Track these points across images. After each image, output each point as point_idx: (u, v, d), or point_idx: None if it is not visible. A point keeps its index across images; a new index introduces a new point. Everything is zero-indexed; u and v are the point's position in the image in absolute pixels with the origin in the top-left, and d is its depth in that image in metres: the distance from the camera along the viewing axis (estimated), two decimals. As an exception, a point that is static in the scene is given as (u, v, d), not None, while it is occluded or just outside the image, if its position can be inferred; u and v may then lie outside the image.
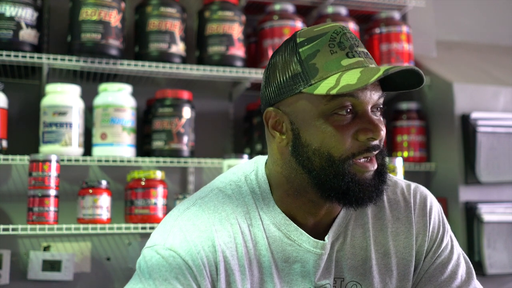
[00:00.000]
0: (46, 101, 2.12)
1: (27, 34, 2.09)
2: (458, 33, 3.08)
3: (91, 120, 2.23)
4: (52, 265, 2.18)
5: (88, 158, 2.13)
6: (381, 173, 0.99)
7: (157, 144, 2.23)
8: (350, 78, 0.92)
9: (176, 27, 2.27)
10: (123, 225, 2.07)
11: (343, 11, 2.56)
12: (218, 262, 0.96)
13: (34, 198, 1.95)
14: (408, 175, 2.42)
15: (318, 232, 1.03)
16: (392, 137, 2.64)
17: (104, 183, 2.08)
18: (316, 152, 0.96)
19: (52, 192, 1.96)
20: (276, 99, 1.00)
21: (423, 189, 1.14)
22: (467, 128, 2.46)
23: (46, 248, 2.23)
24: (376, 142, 0.96)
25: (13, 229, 1.96)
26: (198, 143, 2.41)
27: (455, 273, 1.09)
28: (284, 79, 0.98)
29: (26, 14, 2.09)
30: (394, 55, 2.56)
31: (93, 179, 2.08)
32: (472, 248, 2.41)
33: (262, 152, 2.35)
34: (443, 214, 1.14)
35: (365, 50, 0.99)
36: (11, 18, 2.06)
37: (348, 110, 0.95)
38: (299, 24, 2.44)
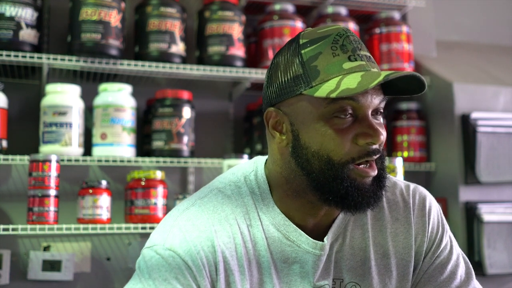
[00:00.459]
0: (46, 101, 2.12)
1: (27, 34, 2.09)
2: (458, 33, 3.08)
3: (91, 120, 2.23)
4: (52, 265, 2.18)
5: (88, 158, 2.13)
6: (380, 178, 0.99)
7: (157, 144, 2.23)
8: (351, 82, 0.92)
9: (176, 27, 2.27)
10: (123, 225, 2.07)
11: (343, 11, 2.56)
12: (217, 263, 0.96)
13: (34, 198, 1.95)
14: (408, 175, 2.42)
15: (318, 233, 1.03)
16: (392, 137, 2.64)
17: (104, 183, 2.08)
18: (315, 154, 0.96)
19: (52, 192, 1.96)
20: (277, 100, 1.00)
21: (422, 189, 1.14)
22: (467, 128, 2.46)
23: (46, 248, 2.23)
24: (375, 147, 0.96)
25: (13, 229, 1.96)
26: (198, 143, 2.41)
27: (454, 273, 1.09)
28: (286, 80, 0.98)
29: (26, 14, 2.09)
30: (394, 55, 2.56)
31: (93, 179, 2.08)
32: (472, 248, 2.41)
33: (262, 152, 2.35)
34: (442, 214, 1.14)
35: (368, 54, 0.98)
36: (11, 18, 2.06)
37: (348, 113, 0.95)
38: (299, 24, 2.44)
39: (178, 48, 2.28)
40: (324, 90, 0.93)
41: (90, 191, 2.05)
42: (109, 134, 2.15)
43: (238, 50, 2.33)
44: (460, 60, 2.87)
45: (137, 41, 2.30)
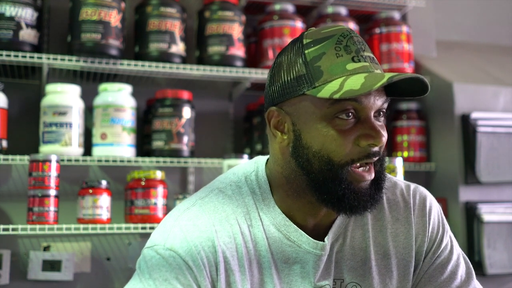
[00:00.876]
0: (46, 101, 2.12)
1: (27, 34, 2.09)
2: (458, 33, 3.08)
3: (91, 120, 2.23)
4: (52, 265, 2.18)
5: (88, 158, 2.13)
6: (378, 181, 0.99)
7: (157, 144, 2.23)
8: (354, 83, 0.92)
9: (176, 27, 2.27)
10: (123, 225, 2.06)
11: (343, 11, 2.56)
12: (218, 263, 0.96)
13: (34, 198, 1.95)
14: (408, 175, 2.42)
15: (318, 233, 1.03)
16: (392, 137, 2.64)
17: (104, 183, 2.08)
18: (316, 154, 0.96)
19: (52, 192, 1.96)
20: (279, 99, 1.00)
21: (422, 189, 1.14)
22: (467, 128, 2.46)
23: (46, 248, 2.23)
24: (376, 149, 0.96)
25: (13, 229, 1.96)
26: (198, 143, 2.41)
27: (454, 273, 1.09)
28: (289, 80, 0.98)
29: (26, 14, 2.09)
30: (394, 55, 2.56)
31: (93, 179, 2.08)
32: (472, 248, 2.41)
33: (262, 152, 2.35)
34: (443, 214, 1.14)
35: (372, 55, 0.98)
36: (11, 18, 2.06)
37: (351, 114, 0.95)
38: (299, 24, 2.44)
39: (178, 48, 2.28)
40: (327, 90, 0.93)
41: (90, 191, 2.04)
42: (109, 134, 2.15)
43: (238, 50, 2.33)
44: (460, 60, 2.87)
45: (137, 41, 2.30)
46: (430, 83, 2.59)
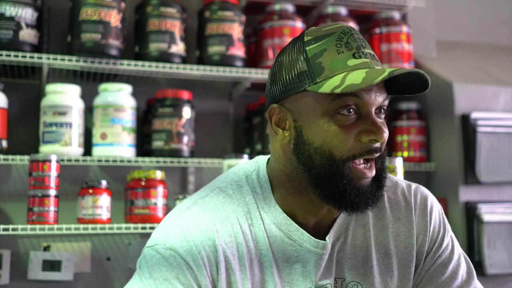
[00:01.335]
0: (46, 101, 2.12)
1: (27, 34, 2.09)
2: (458, 33, 3.08)
3: (91, 120, 2.23)
4: (52, 265, 2.18)
5: (88, 158, 2.13)
6: (379, 178, 0.99)
7: (157, 144, 2.23)
8: (355, 78, 0.92)
9: (176, 27, 2.27)
10: (123, 225, 2.06)
11: (343, 11, 2.56)
12: (219, 262, 0.96)
13: (34, 198, 1.95)
14: (408, 175, 2.42)
15: (319, 232, 1.03)
16: (392, 137, 2.64)
17: (104, 183, 2.08)
18: (317, 150, 0.96)
19: (52, 192, 1.96)
20: (280, 96, 1.00)
21: (423, 189, 1.14)
22: (467, 128, 2.46)
23: (46, 248, 2.23)
24: (377, 145, 0.96)
25: (13, 229, 1.96)
26: (198, 143, 2.41)
27: (455, 273, 1.09)
28: (290, 77, 0.98)
29: (26, 14, 2.09)
30: (394, 55, 2.56)
31: (93, 179, 2.08)
32: (472, 248, 2.41)
33: (262, 152, 2.35)
34: (444, 214, 1.14)
35: (372, 52, 0.99)
36: (11, 18, 2.06)
37: (352, 110, 0.95)
38: (299, 24, 2.44)
39: (178, 48, 2.28)
40: (329, 86, 0.93)
41: (90, 191, 2.04)
42: (109, 134, 2.15)
43: (238, 50, 2.33)
44: (460, 60, 2.87)
45: (137, 41, 2.30)
46: (430, 83, 2.61)
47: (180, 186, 2.45)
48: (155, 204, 2.10)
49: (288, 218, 1.02)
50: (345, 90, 0.91)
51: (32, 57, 2.09)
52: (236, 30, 2.33)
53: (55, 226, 1.97)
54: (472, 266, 1.12)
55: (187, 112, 2.26)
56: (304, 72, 0.96)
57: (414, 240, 1.08)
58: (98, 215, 2.04)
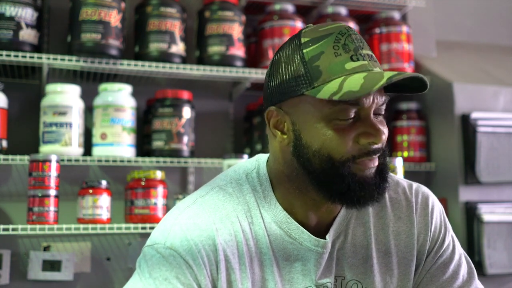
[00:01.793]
0: (46, 101, 2.12)
1: (27, 34, 2.09)
2: (458, 33, 3.08)
3: (91, 120, 2.23)
4: (52, 265, 2.18)
5: (88, 158, 2.13)
6: (382, 171, 0.98)
7: (157, 144, 2.23)
8: (353, 84, 0.91)
9: (176, 27, 2.27)
10: (123, 225, 2.06)
11: (343, 11, 2.56)
12: (218, 261, 0.96)
13: (34, 198, 1.95)
14: (408, 175, 2.42)
15: (320, 231, 1.03)
16: (392, 137, 2.63)
17: (104, 183, 2.08)
18: (316, 153, 0.96)
19: (52, 192, 1.96)
20: (278, 99, 1.00)
21: (424, 189, 1.14)
22: (467, 128, 2.46)
23: (46, 248, 2.23)
24: (377, 146, 0.96)
25: (13, 229, 1.96)
26: (198, 143, 2.40)
27: (456, 273, 1.09)
28: (287, 80, 0.97)
29: (26, 14, 2.09)
30: (394, 55, 2.56)
31: (93, 179, 2.08)
32: (472, 248, 2.40)
33: (262, 152, 2.34)
34: (445, 214, 1.14)
35: (370, 53, 0.98)
36: (11, 18, 2.06)
37: (351, 116, 0.95)
38: (299, 24, 2.44)
39: (178, 48, 2.28)
40: (326, 91, 0.92)
41: (90, 191, 2.04)
42: (109, 134, 2.15)
43: (238, 50, 2.33)
44: (460, 60, 2.87)
45: (137, 41, 2.30)
46: (430, 83, 2.60)
47: (180, 186, 2.45)
48: (155, 204, 2.10)
49: (289, 216, 1.02)
50: (343, 97, 0.91)
51: (32, 57, 2.09)
52: (236, 30, 2.33)
53: (55, 226, 1.97)
54: (473, 266, 1.12)
55: (187, 112, 2.26)
56: (302, 76, 0.95)
57: (415, 239, 1.08)
58: (98, 215, 2.04)
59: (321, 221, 1.04)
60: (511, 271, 2.43)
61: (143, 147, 2.36)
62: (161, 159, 2.20)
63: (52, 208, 1.96)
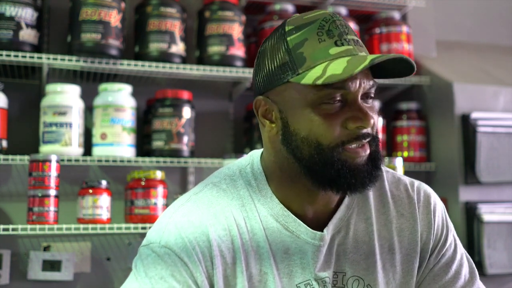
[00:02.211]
0: (46, 101, 2.12)
1: (27, 34, 2.09)
2: (458, 33, 3.08)
3: (91, 120, 2.23)
4: (52, 265, 2.18)
5: (88, 158, 2.13)
6: (375, 159, 0.98)
7: (157, 144, 2.23)
8: (336, 67, 0.91)
9: (176, 27, 2.27)
10: (123, 225, 2.06)
11: (343, 11, 2.56)
12: (213, 257, 0.96)
13: (34, 198, 1.95)
14: (408, 175, 2.41)
15: (318, 224, 1.03)
16: (392, 137, 2.64)
17: (104, 183, 2.08)
18: (304, 140, 0.95)
19: (52, 192, 1.96)
20: (265, 88, 1.00)
21: (426, 187, 1.13)
22: (467, 128, 2.46)
23: (46, 248, 2.23)
24: (366, 130, 0.95)
25: (13, 229, 1.96)
26: (198, 143, 2.40)
27: (458, 273, 1.08)
28: (273, 68, 0.98)
29: (26, 14, 2.09)
30: (394, 55, 2.56)
31: (93, 179, 2.08)
32: (472, 248, 2.40)
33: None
34: (446, 213, 1.14)
35: (356, 38, 0.97)
36: (11, 18, 2.06)
37: (337, 100, 0.94)
38: (299, 24, 2.43)
39: (178, 48, 2.28)
40: (310, 77, 0.92)
41: (90, 191, 2.04)
42: (109, 134, 2.15)
43: (238, 50, 2.33)
44: (460, 60, 2.87)
45: (137, 41, 2.30)
46: (430, 83, 2.62)
47: (180, 186, 2.45)
48: (155, 204, 2.10)
49: (285, 209, 1.01)
50: (326, 81, 0.90)
51: (32, 57, 2.09)
52: (236, 30, 2.33)
53: (55, 226, 1.97)
54: (474, 266, 1.12)
55: (187, 112, 2.26)
56: (286, 63, 0.96)
57: (418, 236, 1.07)
58: (98, 215, 2.04)
59: (319, 214, 1.03)
60: (511, 271, 2.43)
61: (143, 147, 2.36)
62: (161, 159, 2.20)
63: (52, 208, 1.96)
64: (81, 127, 2.15)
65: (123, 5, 2.23)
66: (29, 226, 1.95)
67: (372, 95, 0.98)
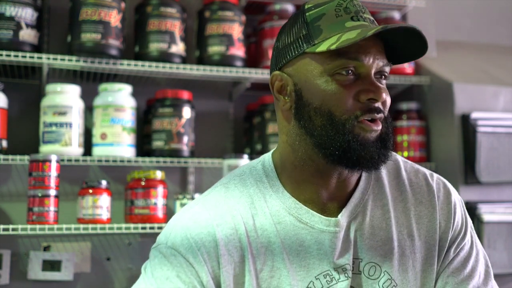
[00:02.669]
0: (46, 101, 2.12)
1: (27, 34, 2.09)
2: (458, 33, 3.08)
3: (91, 120, 2.23)
4: (52, 265, 2.18)
5: (88, 158, 2.13)
6: (385, 139, 0.99)
7: (157, 144, 2.23)
8: (351, 35, 0.93)
9: (176, 27, 2.27)
10: (123, 225, 2.07)
11: (343, 11, 2.56)
12: (219, 256, 0.97)
13: (34, 198, 1.95)
14: (408, 175, 2.42)
15: (334, 211, 1.03)
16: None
17: (104, 183, 2.08)
18: (317, 110, 0.97)
19: (52, 192, 1.96)
20: (282, 62, 1.02)
21: (445, 180, 1.15)
22: (467, 128, 2.46)
23: (46, 248, 2.23)
24: (378, 105, 0.97)
25: (13, 229, 1.96)
26: (198, 143, 2.40)
27: (475, 269, 1.07)
28: (290, 42, 1.00)
29: (26, 14, 2.09)
30: (394, 55, 2.56)
31: (93, 179, 2.08)
32: (472, 248, 2.40)
33: (262, 152, 2.35)
34: (465, 208, 1.14)
35: (372, 18, 1.00)
36: (11, 18, 2.06)
37: (350, 71, 0.96)
38: (299, 24, 2.43)
39: (178, 48, 2.28)
40: (325, 45, 0.95)
41: (90, 191, 2.04)
42: (109, 134, 2.15)
43: (238, 50, 2.33)
44: (460, 60, 2.87)
45: (137, 41, 2.30)
46: (430, 83, 2.61)
47: (180, 186, 2.45)
48: (155, 204, 2.10)
49: (297, 202, 1.02)
50: (340, 45, 0.92)
51: (32, 57, 2.09)
52: (236, 30, 2.33)
53: (55, 226, 1.97)
54: (489, 264, 1.11)
55: (187, 112, 2.26)
56: (304, 36, 0.98)
57: (437, 224, 1.06)
58: (98, 215, 2.04)
59: (334, 200, 1.03)
60: (511, 271, 2.43)
61: (143, 147, 2.36)
62: (161, 159, 2.20)
63: (52, 208, 1.96)
64: (81, 127, 2.15)
65: (123, 5, 2.23)
66: (29, 226, 1.95)
67: (386, 75, 1.00)
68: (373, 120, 0.97)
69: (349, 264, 1.00)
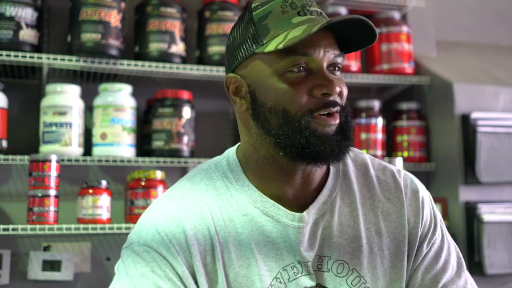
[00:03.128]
0: (46, 101, 2.12)
1: (27, 34, 2.09)
2: (458, 33, 3.08)
3: (91, 120, 2.23)
4: (52, 265, 2.18)
5: (88, 158, 2.13)
6: (344, 129, 0.98)
7: (157, 144, 2.23)
8: (297, 32, 0.93)
9: (176, 27, 2.27)
10: (123, 225, 2.07)
11: (343, 11, 2.56)
12: (190, 246, 0.97)
13: (34, 198, 1.95)
14: (408, 175, 2.42)
15: (301, 207, 1.03)
16: (392, 137, 2.64)
17: (104, 183, 2.08)
18: (272, 110, 0.96)
19: (52, 192, 1.96)
20: (234, 64, 1.02)
21: (413, 176, 1.14)
22: (467, 128, 2.46)
23: (46, 248, 2.23)
24: (333, 98, 0.96)
25: (13, 229, 1.96)
26: (198, 143, 2.40)
27: (448, 262, 1.07)
28: (239, 43, 1.00)
29: (26, 14, 2.09)
30: (394, 55, 2.56)
31: (93, 179, 2.08)
32: (472, 248, 2.40)
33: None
34: (433, 202, 1.13)
35: (319, 10, 0.99)
36: (11, 18, 2.06)
37: (302, 67, 0.95)
38: (299, 24, 2.43)
39: (178, 48, 2.28)
40: (273, 44, 0.94)
41: (90, 191, 2.04)
42: (109, 134, 2.15)
43: (238, 50, 2.33)
44: (460, 60, 2.87)
45: (137, 41, 2.30)
46: (430, 83, 2.62)
47: (180, 186, 2.45)
48: (155, 204, 2.10)
49: (263, 195, 1.02)
50: (287, 44, 0.92)
51: (32, 57, 2.09)
52: (236, 30, 2.33)
53: (55, 226, 1.97)
54: (461, 256, 1.11)
55: (187, 112, 2.26)
56: (252, 36, 0.98)
57: (405, 220, 1.06)
58: (98, 215, 2.04)
59: (300, 197, 1.03)
60: (511, 271, 2.43)
61: (143, 147, 2.36)
62: (161, 159, 2.20)
63: (52, 208, 1.96)
64: (81, 127, 2.15)
65: (123, 5, 2.23)
66: (29, 226, 1.95)
67: (339, 66, 0.99)
68: (330, 114, 0.97)
69: (310, 262, 1.00)
